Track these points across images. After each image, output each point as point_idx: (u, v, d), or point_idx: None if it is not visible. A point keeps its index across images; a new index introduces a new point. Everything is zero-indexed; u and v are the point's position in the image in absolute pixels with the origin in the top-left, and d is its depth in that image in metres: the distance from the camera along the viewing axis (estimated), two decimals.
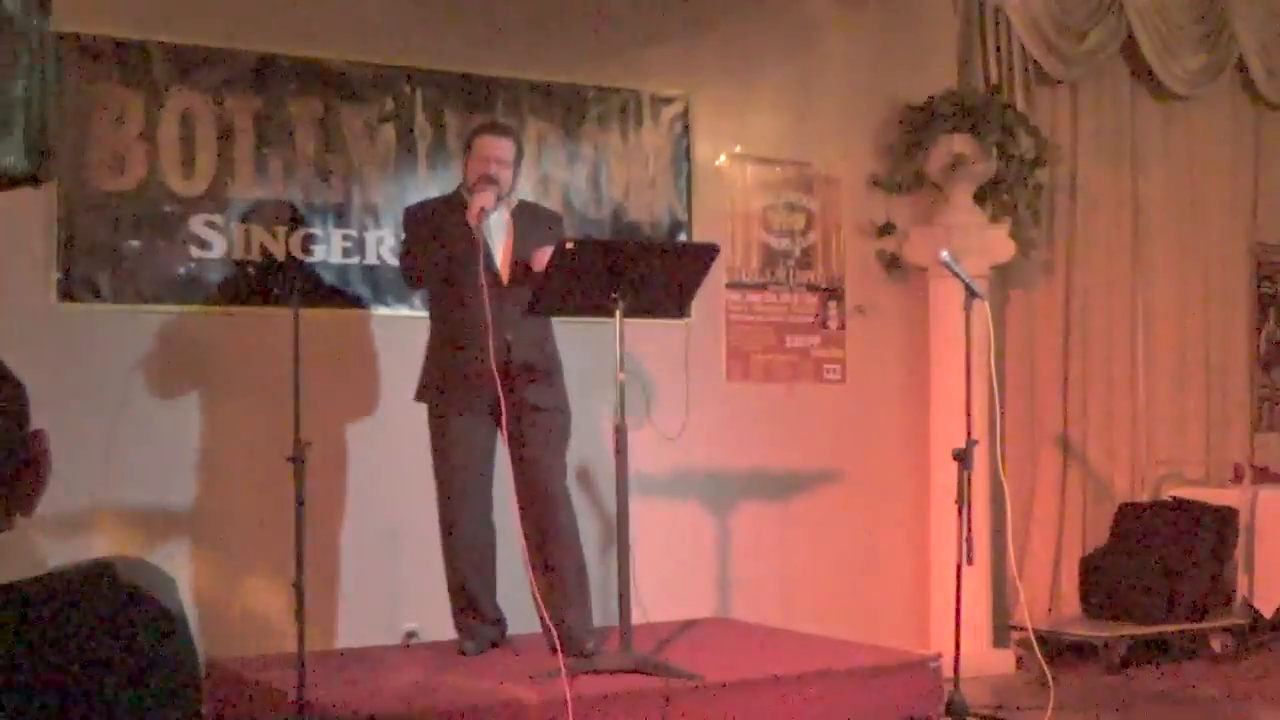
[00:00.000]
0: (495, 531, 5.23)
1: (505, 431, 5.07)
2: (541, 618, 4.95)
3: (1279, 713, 5.97)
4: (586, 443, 5.82)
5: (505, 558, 5.24)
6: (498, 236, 5.13)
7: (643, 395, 5.18)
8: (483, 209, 4.93)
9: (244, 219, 5.53)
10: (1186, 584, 6.87)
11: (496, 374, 4.78)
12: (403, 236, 5.32)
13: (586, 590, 5.19)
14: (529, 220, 5.23)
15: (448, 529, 5.18)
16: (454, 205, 5.10)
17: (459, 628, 5.25)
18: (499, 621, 5.30)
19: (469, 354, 4.97)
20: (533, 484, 5.07)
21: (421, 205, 5.30)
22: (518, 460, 5.08)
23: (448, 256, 5.03)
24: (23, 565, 1.43)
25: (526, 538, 5.07)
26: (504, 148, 5.13)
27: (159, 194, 5.42)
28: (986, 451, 6.02)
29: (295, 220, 5.62)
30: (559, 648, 4.71)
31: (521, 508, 5.03)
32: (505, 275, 5.09)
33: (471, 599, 5.22)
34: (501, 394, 4.79)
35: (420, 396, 5.19)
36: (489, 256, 5.02)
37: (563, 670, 4.48)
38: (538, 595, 5.00)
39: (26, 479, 1.46)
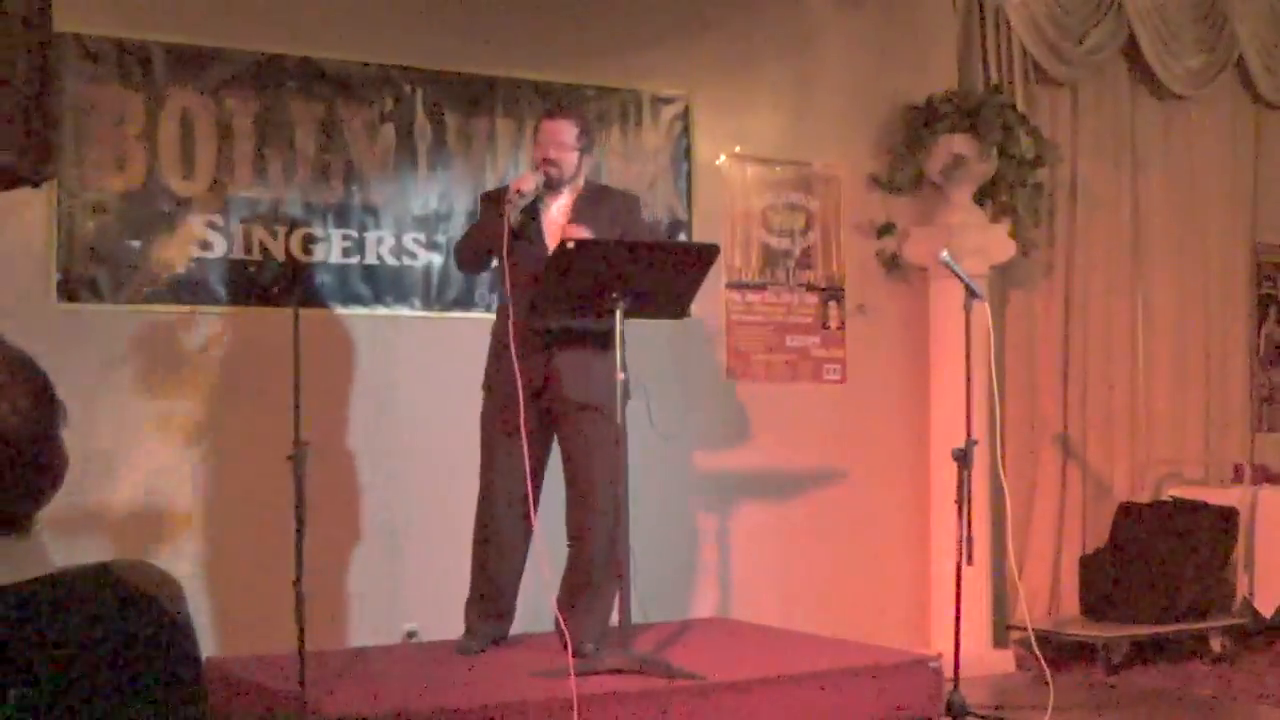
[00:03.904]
0: (529, 530, 5.06)
1: (524, 422, 4.84)
2: (554, 614, 4.96)
3: (1279, 713, 5.97)
4: None
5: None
6: (554, 222, 5.06)
7: (643, 395, 5.16)
8: (518, 191, 4.90)
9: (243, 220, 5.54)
10: (1186, 584, 6.87)
11: (515, 366, 4.75)
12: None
13: (606, 595, 5.06)
14: (593, 205, 5.09)
15: (477, 522, 5.13)
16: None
17: (465, 619, 5.22)
18: (505, 620, 5.22)
19: (510, 341, 4.88)
20: (573, 481, 5.06)
21: (501, 189, 5.21)
22: (564, 456, 5.08)
23: (486, 238, 4.95)
24: (27, 566, 1.43)
25: (566, 531, 5.10)
26: (561, 129, 5.05)
27: (159, 194, 5.41)
28: (986, 451, 6.03)
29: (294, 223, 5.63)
30: (569, 647, 4.70)
31: (566, 502, 5.08)
32: None
33: (481, 595, 5.18)
34: (520, 386, 4.75)
35: (484, 384, 5.14)
36: (539, 243, 4.98)
37: (565, 670, 4.48)
38: (560, 591, 5.01)
39: (46, 490, 1.48)
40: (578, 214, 5.06)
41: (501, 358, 4.97)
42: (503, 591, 5.19)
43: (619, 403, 4.73)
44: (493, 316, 5.25)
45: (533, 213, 5.01)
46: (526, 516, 4.99)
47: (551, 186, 5.04)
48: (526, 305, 4.82)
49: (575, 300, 4.82)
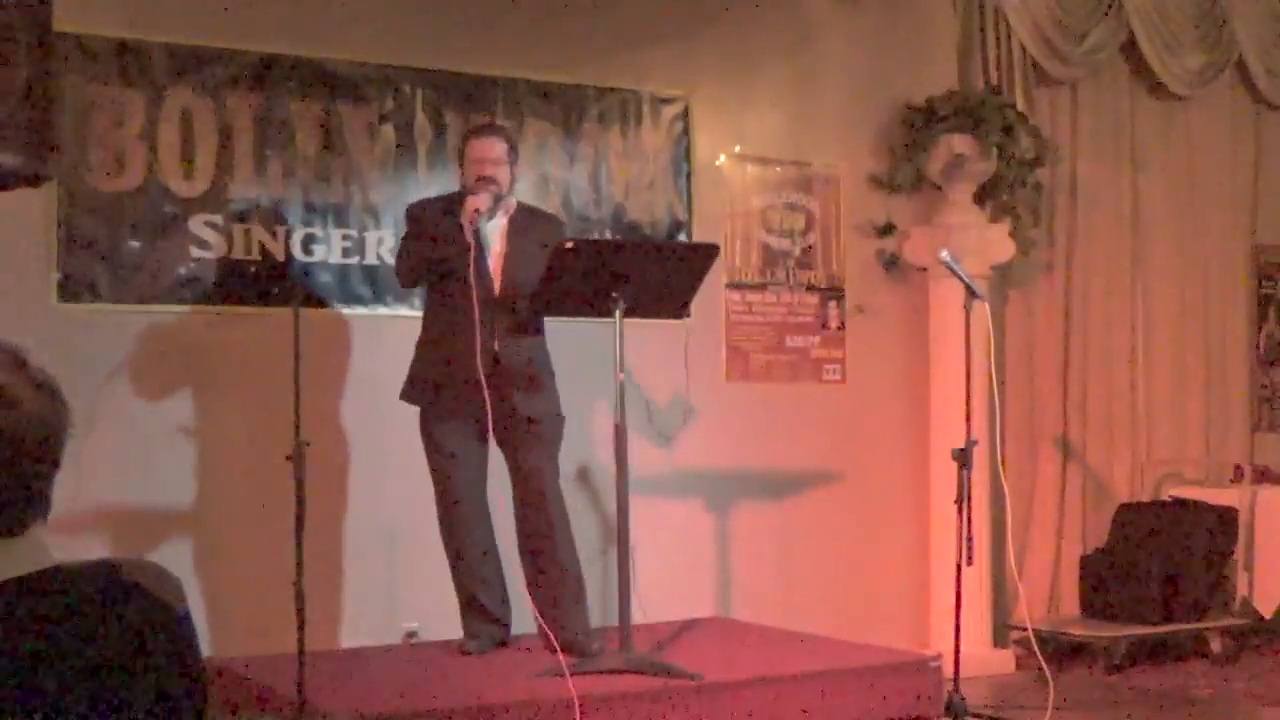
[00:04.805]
0: (493, 532, 5.23)
1: (493, 438, 5.06)
2: (537, 619, 4.99)
3: (1279, 713, 5.97)
4: (586, 443, 5.82)
5: (508, 558, 5.25)
6: (493, 242, 5.09)
7: (642, 395, 5.17)
8: (477, 210, 4.92)
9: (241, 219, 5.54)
10: (1186, 584, 6.87)
11: (483, 382, 4.77)
12: (403, 233, 5.31)
13: (583, 592, 5.19)
14: (527, 226, 5.16)
15: (448, 531, 5.18)
16: (455, 205, 5.08)
17: (464, 627, 5.26)
18: (503, 622, 5.28)
19: (456, 360, 4.95)
20: (527, 489, 5.09)
21: (424, 203, 5.28)
22: (512, 467, 5.10)
23: (441, 258, 5.00)
24: (27, 562, 1.44)
25: (522, 540, 5.10)
26: (496, 147, 5.10)
27: (159, 194, 5.42)
28: (986, 451, 6.03)
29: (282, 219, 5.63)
30: (558, 648, 4.72)
31: (517, 511, 5.08)
32: (498, 282, 5.06)
33: (475, 599, 5.22)
34: (488, 403, 4.80)
35: (404, 396, 5.17)
36: (481, 262, 5.01)
37: (565, 670, 4.49)
38: (531, 597, 5.04)
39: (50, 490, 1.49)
40: (513, 237, 5.10)
41: (431, 370, 5.07)
42: (492, 597, 5.24)
43: (559, 427, 5.11)
44: None
45: (477, 235, 5.02)
46: (487, 520, 5.18)
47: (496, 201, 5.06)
48: (466, 317, 4.85)
49: (575, 300, 4.84)
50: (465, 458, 5.12)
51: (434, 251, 5.00)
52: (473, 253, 4.90)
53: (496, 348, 4.95)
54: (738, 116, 6.59)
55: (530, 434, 5.08)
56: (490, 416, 4.88)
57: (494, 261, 5.08)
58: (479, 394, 4.81)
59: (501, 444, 5.12)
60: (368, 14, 5.80)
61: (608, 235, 6.15)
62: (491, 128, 5.33)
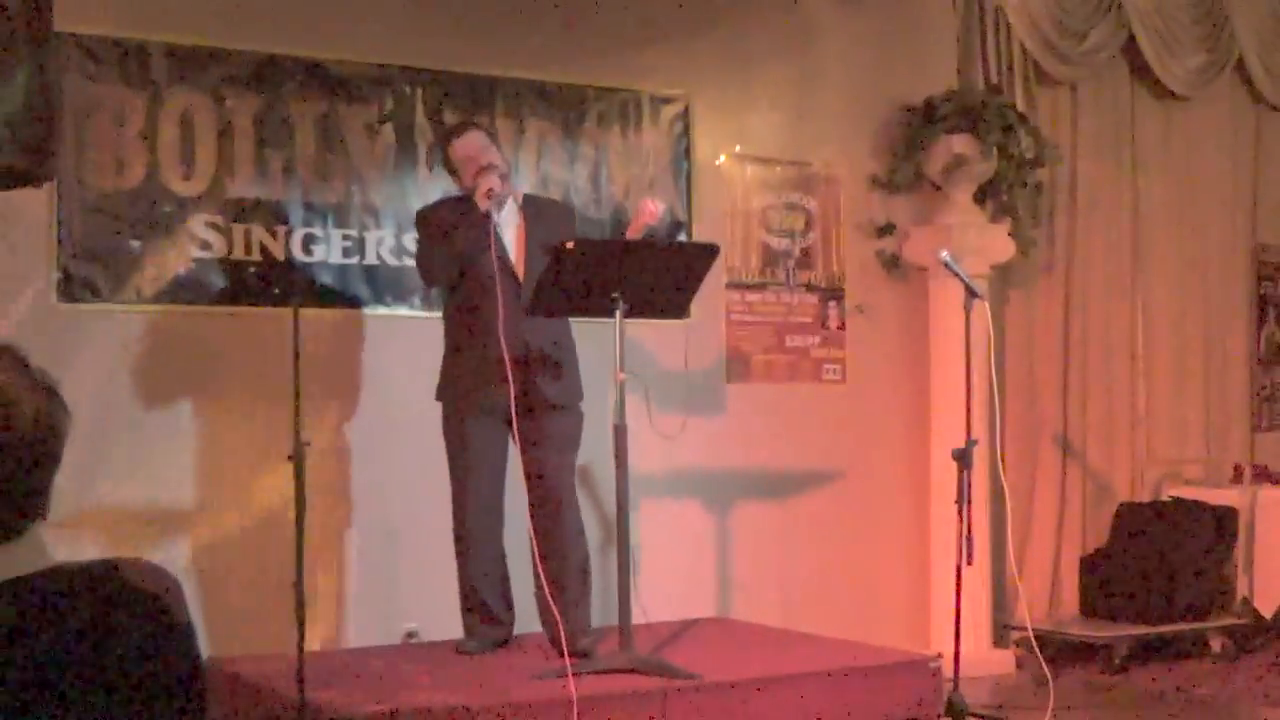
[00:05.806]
0: (503, 533, 5.22)
1: (516, 426, 4.98)
2: (542, 615, 4.99)
3: (1279, 713, 5.97)
4: (586, 443, 5.82)
5: (511, 559, 5.25)
6: (509, 230, 5.12)
7: (642, 395, 5.17)
8: (491, 190, 4.94)
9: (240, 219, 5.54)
10: (1186, 584, 6.86)
11: (509, 368, 4.78)
12: (417, 238, 5.33)
13: (588, 590, 5.19)
14: (537, 212, 5.22)
15: (459, 528, 5.17)
16: (465, 203, 5.08)
17: (464, 625, 5.26)
18: (504, 623, 5.28)
19: (487, 350, 4.94)
20: (541, 482, 5.08)
21: (433, 205, 5.31)
22: (528, 458, 5.09)
23: (464, 248, 4.99)
24: (27, 565, 1.44)
25: (534, 537, 5.10)
26: (477, 137, 5.16)
27: (159, 194, 5.41)
28: (986, 451, 6.03)
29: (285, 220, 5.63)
30: (563, 646, 4.71)
31: (530, 505, 5.06)
32: (520, 269, 5.08)
33: (478, 599, 5.21)
34: (512, 388, 4.79)
35: (440, 396, 5.18)
36: (502, 249, 5.02)
37: (565, 670, 4.49)
38: (539, 593, 5.03)
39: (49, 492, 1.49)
40: (527, 223, 5.15)
41: (462, 364, 5.07)
42: (496, 598, 5.25)
43: (578, 402, 5.12)
44: None
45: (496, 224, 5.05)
46: (500, 521, 5.18)
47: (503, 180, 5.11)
48: (494, 304, 4.85)
49: (576, 300, 4.84)
50: (489, 457, 5.12)
51: (456, 242, 5.01)
52: (492, 237, 4.93)
53: (525, 332, 4.96)
54: (738, 116, 6.59)
55: (549, 423, 5.07)
56: (517, 403, 4.87)
57: (514, 248, 5.09)
58: (507, 383, 4.82)
59: (521, 434, 5.08)
60: (368, 14, 5.80)
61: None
62: (465, 125, 5.37)
